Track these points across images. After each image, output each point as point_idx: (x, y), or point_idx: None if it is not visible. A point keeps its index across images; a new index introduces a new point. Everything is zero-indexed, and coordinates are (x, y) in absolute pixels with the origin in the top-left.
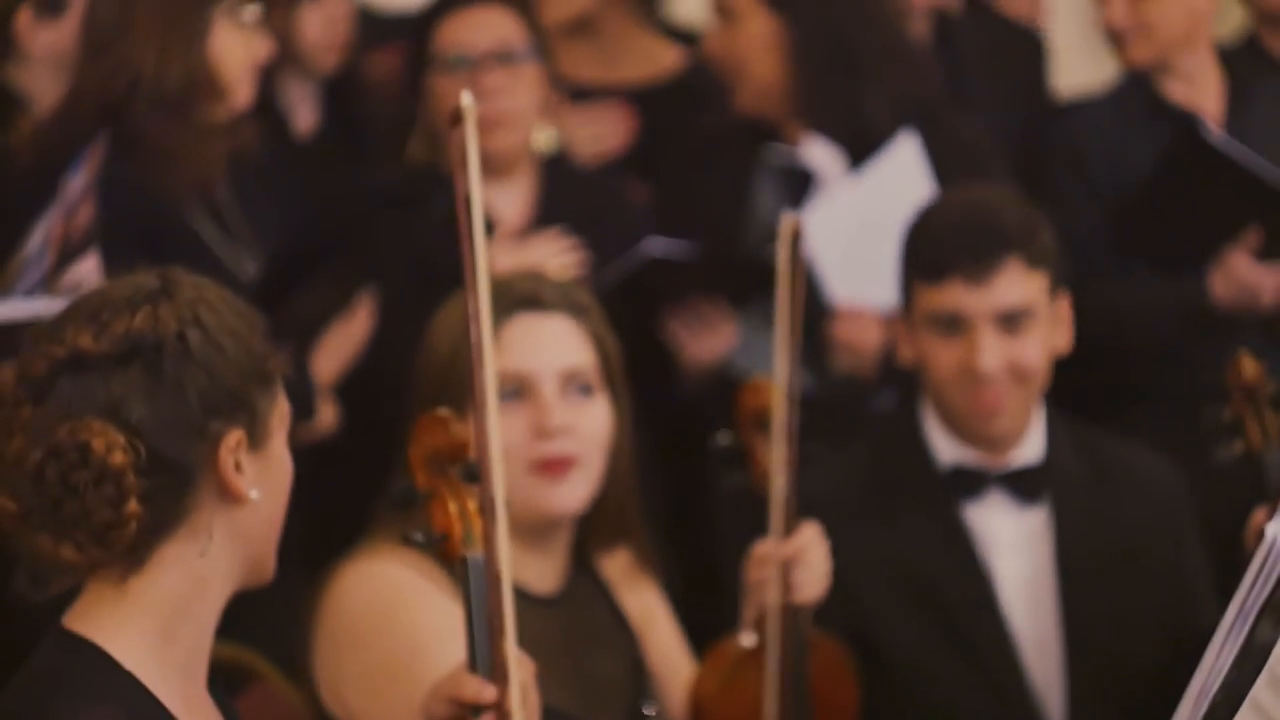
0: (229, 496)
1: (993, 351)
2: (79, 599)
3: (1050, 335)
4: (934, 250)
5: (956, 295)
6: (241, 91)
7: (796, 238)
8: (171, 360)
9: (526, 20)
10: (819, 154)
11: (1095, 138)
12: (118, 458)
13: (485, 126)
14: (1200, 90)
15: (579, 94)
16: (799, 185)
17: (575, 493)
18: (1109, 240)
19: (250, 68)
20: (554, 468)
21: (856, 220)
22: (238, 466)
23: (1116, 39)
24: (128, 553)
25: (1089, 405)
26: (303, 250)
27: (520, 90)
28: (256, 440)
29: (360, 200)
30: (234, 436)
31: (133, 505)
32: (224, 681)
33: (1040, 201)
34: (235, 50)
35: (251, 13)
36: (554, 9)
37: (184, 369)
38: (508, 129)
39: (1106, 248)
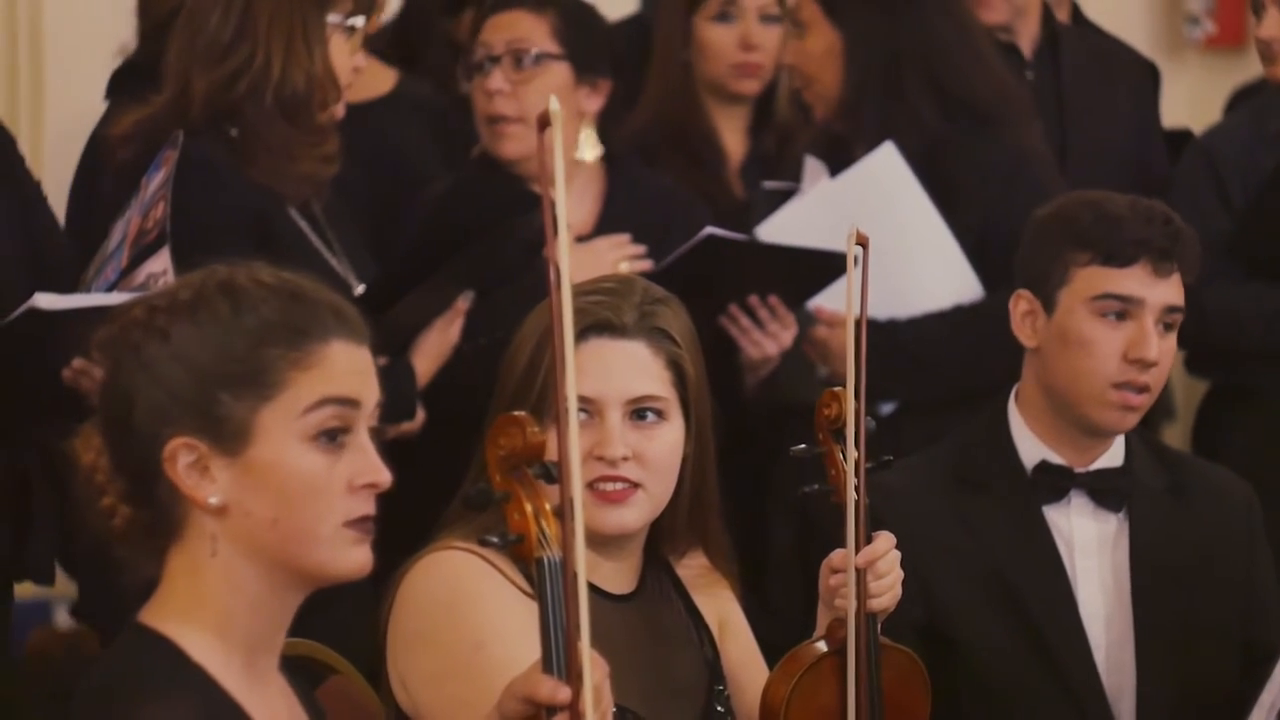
0: (198, 504)
1: (1156, 343)
2: (155, 593)
3: (1173, 347)
4: (1120, 234)
5: (1139, 282)
6: (343, 101)
7: (861, 245)
8: (126, 371)
9: None
10: (812, 172)
11: (1233, 148)
12: (87, 457)
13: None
14: None
15: None
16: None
17: (632, 515)
18: (1232, 248)
19: (351, 77)
20: (612, 495)
21: (825, 227)
22: (207, 472)
23: (1265, 54)
24: (137, 550)
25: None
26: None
27: None
28: (230, 446)
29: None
30: (176, 444)
31: (107, 501)
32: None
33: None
34: (344, 59)
35: (359, 23)
36: None
37: (134, 380)
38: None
39: (1231, 255)
